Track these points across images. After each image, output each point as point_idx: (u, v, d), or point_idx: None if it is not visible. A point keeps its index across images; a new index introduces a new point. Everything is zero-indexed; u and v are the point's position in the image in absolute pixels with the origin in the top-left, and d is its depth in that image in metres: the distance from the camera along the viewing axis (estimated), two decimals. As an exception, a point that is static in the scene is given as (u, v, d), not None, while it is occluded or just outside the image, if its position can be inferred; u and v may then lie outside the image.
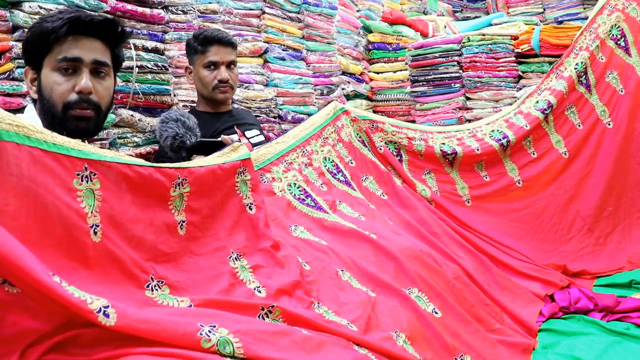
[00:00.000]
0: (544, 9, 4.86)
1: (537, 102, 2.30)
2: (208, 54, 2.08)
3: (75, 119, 1.25)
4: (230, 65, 2.12)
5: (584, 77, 2.29)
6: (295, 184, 1.74)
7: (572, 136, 2.26)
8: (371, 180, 2.06)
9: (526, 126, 2.24)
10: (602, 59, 2.30)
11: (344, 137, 2.09)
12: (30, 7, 1.81)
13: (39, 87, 1.27)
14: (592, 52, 2.30)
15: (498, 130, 2.26)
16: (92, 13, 1.31)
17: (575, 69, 2.28)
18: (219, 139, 1.68)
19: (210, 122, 2.08)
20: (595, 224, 2.19)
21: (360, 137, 2.17)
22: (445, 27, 4.43)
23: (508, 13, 5.04)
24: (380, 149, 2.18)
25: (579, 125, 2.26)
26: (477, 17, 5.24)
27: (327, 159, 1.94)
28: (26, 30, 1.81)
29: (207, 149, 1.60)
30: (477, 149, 2.23)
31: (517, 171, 2.24)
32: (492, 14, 4.73)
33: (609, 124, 2.25)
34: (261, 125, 2.53)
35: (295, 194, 1.71)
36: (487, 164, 2.24)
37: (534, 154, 2.25)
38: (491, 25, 3.84)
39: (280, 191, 1.68)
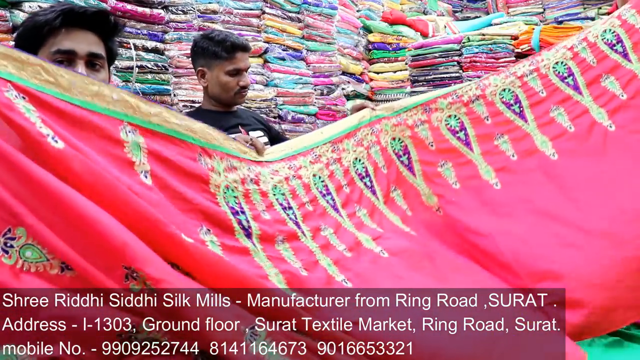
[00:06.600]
0: (544, 9, 4.87)
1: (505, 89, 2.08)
2: (234, 60, 2.08)
3: None
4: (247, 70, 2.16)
5: (570, 77, 2.13)
6: (320, 177, 1.73)
7: (562, 137, 2.06)
8: (399, 193, 2.01)
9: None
10: (593, 63, 2.12)
11: (382, 141, 1.97)
12: (30, 7, 1.82)
13: None
14: (575, 53, 2.09)
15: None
16: (86, 5, 1.31)
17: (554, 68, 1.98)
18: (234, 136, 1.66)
19: (216, 120, 2.10)
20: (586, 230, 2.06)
21: (393, 147, 1.97)
22: (445, 27, 4.44)
23: (508, 13, 5.04)
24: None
25: (570, 128, 2.11)
26: (477, 17, 5.24)
27: (358, 159, 1.90)
28: (26, 30, 1.82)
29: None
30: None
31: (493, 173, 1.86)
32: (492, 14, 4.74)
33: (610, 127, 2.12)
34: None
35: (318, 187, 1.71)
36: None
37: (513, 156, 1.90)
38: (491, 25, 3.85)
39: (306, 179, 1.69)
